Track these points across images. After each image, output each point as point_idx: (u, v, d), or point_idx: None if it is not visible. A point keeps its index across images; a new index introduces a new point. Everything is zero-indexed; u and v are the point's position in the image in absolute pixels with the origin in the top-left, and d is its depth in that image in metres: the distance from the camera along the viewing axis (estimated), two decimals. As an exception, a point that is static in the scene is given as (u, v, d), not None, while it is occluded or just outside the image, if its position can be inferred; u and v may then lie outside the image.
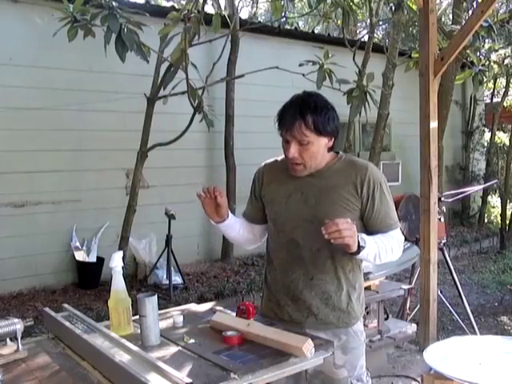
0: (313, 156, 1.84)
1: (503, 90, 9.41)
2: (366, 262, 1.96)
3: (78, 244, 5.52)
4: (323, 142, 1.84)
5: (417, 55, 4.35)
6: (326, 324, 1.91)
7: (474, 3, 8.22)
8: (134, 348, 1.60)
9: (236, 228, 2.03)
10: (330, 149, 1.90)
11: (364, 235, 1.77)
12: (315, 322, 1.91)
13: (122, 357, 1.55)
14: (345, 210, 1.85)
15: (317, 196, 1.87)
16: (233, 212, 2.04)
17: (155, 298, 1.74)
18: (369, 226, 1.89)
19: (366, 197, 1.85)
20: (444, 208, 4.05)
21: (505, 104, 9.52)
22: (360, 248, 1.72)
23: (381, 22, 9.10)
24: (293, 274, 1.90)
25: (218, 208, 1.93)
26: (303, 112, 1.78)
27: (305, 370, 1.86)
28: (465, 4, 8.18)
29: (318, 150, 1.84)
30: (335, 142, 1.89)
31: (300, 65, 4.69)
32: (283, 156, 1.98)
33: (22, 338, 1.71)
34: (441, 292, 3.92)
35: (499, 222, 8.40)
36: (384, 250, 1.82)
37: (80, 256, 5.44)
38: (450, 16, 9.29)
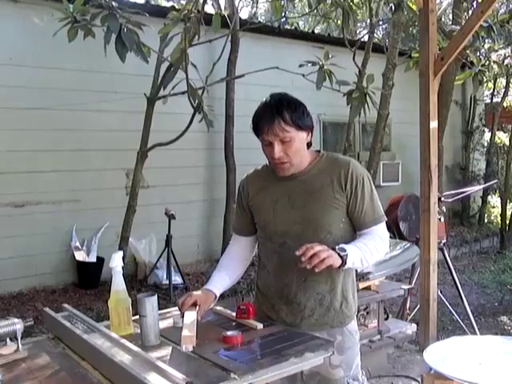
0: (296, 152, 1.84)
1: (503, 89, 9.41)
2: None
3: (77, 244, 5.52)
4: (303, 137, 1.84)
5: (417, 55, 4.36)
6: (320, 325, 1.91)
7: (474, 3, 8.23)
8: (134, 348, 1.60)
9: (226, 285, 1.99)
10: (308, 145, 1.90)
11: (343, 244, 1.78)
12: (310, 324, 1.90)
13: (122, 357, 1.55)
14: (333, 208, 1.86)
15: (304, 198, 1.87)
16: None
17: (155, 298, 1.74)
18: (355, 222, 1.89)
19: (350, 192, 1.86)
20: (444, 208, 4.05)
21: (505, 104, 9.53)
22: (343, 259, 1.73)
23: (381, 22, 9.11)
24: (286, 277, 1.89)
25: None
26: (279, 110, 1.79)
27: (300, 372, 1.86)
28: (465, 4, 8.18)
29: (300, 145, 1.84)
30: (312, 138, 1.90)
31: (300, 65, 4.70)
32: (262, 164, 2.02)
33: (22, 337, 1.71)
34: (441, 292, 3.92)
35: (499, 222, 8.40)
36: (368, 252, 1.83)
37: (80, 256, 5.44)
38: (450, 16, 9.30)
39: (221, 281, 1.97)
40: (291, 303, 1.90)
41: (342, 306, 1.93)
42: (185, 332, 1.62)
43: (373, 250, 1.84)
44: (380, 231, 1.91)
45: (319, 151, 1.96)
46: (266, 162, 2.02)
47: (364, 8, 7.18)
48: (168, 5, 6.99)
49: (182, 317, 1.78)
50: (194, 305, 1.83)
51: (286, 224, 1.89)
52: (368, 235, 1.88)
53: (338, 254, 1.73)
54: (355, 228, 1.91)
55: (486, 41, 6.33)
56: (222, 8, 6.64)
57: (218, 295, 1.93)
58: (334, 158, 1.94)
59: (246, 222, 2.04)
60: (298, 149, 1.84)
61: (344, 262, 1.74)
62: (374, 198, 1.91)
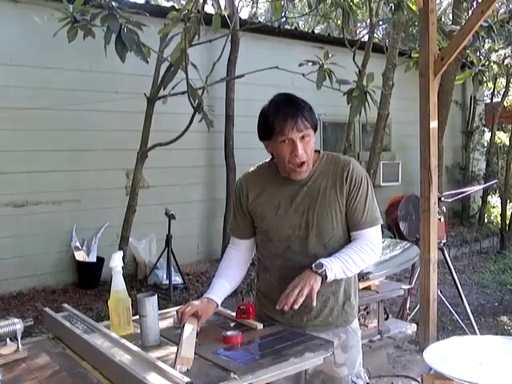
0: (312, 152, 1.83)
1: (503, 90, 9.41)
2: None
3: (78, 244, 5.52)
4: (313, 137, 1.83)
5: (417, 55, 4.36)
6: (326, 325, 1.91)
7: (474, 3, 8.22)
8: (134, 348, 1.60)
9: (227, 290, 1.97)
10: None
11: (323, 259, 1.77)
12: (315, 325, 1.90)
13: (122, 357, 1.55)
14: (337, 211, 1.85)
15: (307, 202, 1.85)
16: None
17: (155, 297, 1.74)
18: (349, 221, 1.87)
19: (348, 191, 1.84)
20: (444, 208, 4.05)
21: (505, 104, 9.53)
22: (322, 276, 1.73)
23: (381, 22, 9.11)
24: (291, 280, 1.83)
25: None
26: (299, 107, 1.78)
27: (304, 371, 1.86)
28: (465, 4, 8.18)
29: (313, 145, 1.83)
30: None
31: (300, 65, 4.70)
32: (259, 164, 2.00)
33: (22, 337, 1.71)
34: (441, 292, 3.92)
35: (499, 222, 8.40)
36: (352, 264, 1.81)
37: (80, 256, 5.44)
38: (450, 16, 9.30)
39: (221, 288, 1.94)
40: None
41: (345, 305, 1.93)
42: (183, 352, 1.54)
43: (357, 260, 1.82)
44: (373, 234, 1.88)
45: (319, 151, 1.93)
46: (265, 161, 2.00)
47: (364, 8, 7.19)
48: (168, 5, 7.00)
49: (182, 327, 1.74)
50: (195, 315, 1.80)
51: (290, 229, 1.87)
52: (358, 241, 1.86)
53: (316, 272, 1.73)
54: (349, 228, 1.88)
55: (486, 41, 6.33)
56: (222, 8, 6.64)
57: (219, 303, 1.91)
58: (334, 158, 1.92)
59: (246, 226, 2.00)
60: (312, 149, 1.83)
61: (324, 277, 1.74)
62: (370, 199, 1.88)
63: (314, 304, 1.73)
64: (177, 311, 1.84)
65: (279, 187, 1.90)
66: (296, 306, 1.70)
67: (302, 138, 1.78)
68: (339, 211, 1.85)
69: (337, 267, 1.77)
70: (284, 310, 1.72)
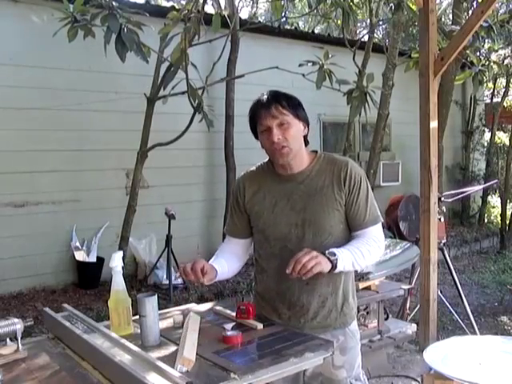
0: (295, 138, 1.83)
1: (503, 89, 9.41)
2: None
3: (78, 244, 5.52)
4: (300, 127, 1.85)
5: (417, 55, 4.35)
6: (323, 327, 1.90)
7: (474, 3, 8.23)
8: (134, 348, 1.60)
9: (225, 271, 1.95)
10: (306, 142, 1.91)
11: (334, 248, 1.77)
12: (313, 326, 1.89)
13: (122, 357, 1.54)
14: (334, 210, 1.85)
15: (304, 200, 1.86)
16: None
17: (155, 297, 1.74)
18: (350, 222, 1.88)
19: (348, 192, 1.85)
20: (444, 208, 4.05)
21: (505, 104, 9.53)
22: (333, 264, 1.73)
23: (381, 22, 9.11)
24: (287, 281, 1.84)
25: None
26: (277, 97, 1.83)
27: (303, 373, 1.86)
28: (465, 4, 8.18)
29: (298, 133, 1.84)
30: (308, 133, 1.90)
31: (300, 65, 4.70)
32: (257, 165, 2.01)
33: (22, 337, 1.71)
34: (441, 292, 3.92)
35: (499, 221, 8.40)
36: (361, 256, 1.82)
37: (80, 256, 5.44)
38: (450, 16, 9.31)
39: (220, 263, 1.92)
40: (294, 306, 1.89)
41: (343, 306, 1.93)
42: (186, 353, 1.52)
43: (365, 253, 1.83)
44: (375, 232, 1.89)
45: (316, 152, 1.95)
46: (263, 161, 2.01)
47: (364, 8, 7.18)
48: (168, 5, 7.01)
49: (186, 324, 1.70)
50: (202, 272, 1.77)
51: (286, 227, 1.87)
52: (362, 237, 1.87)
53: (328, 259, 1.72)
54: (350, 228, 1.90)
55: (486, 41, 6.33)
56: (222, 8, 6.64)
57: (218, 272, 1.87)
58: (331, 158, 1.93)
59: (243, 225, 2.00)
60: (296, 136, 1.83)
61: (334, 266, 1.74)
62: (370, 198, 1.89)
63: (304, 278, 1.69)
64: (179, 267, 1.80)
65: (276, 185, 1.91)
66: (304, 277, 1.68)
67: (281, 125, 1.80)
68: (336, 210, 1.85)
69: (347, 258, 1.78)
70: (292, 276, 1.69)
